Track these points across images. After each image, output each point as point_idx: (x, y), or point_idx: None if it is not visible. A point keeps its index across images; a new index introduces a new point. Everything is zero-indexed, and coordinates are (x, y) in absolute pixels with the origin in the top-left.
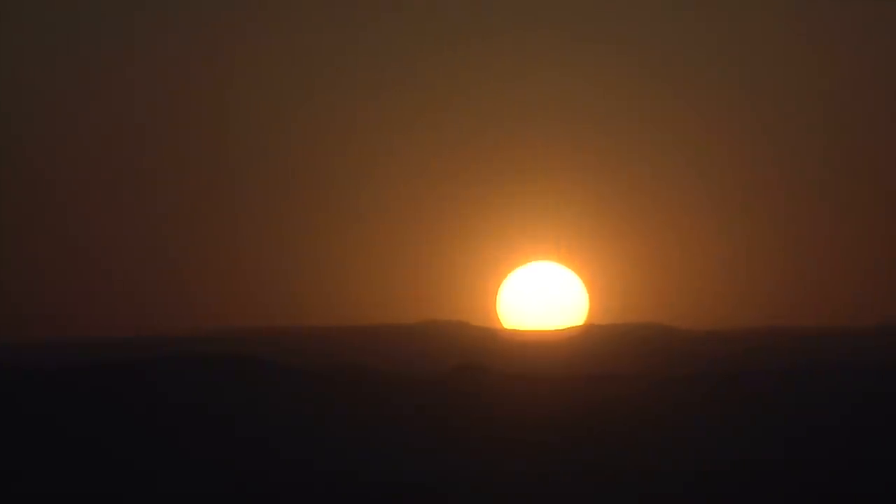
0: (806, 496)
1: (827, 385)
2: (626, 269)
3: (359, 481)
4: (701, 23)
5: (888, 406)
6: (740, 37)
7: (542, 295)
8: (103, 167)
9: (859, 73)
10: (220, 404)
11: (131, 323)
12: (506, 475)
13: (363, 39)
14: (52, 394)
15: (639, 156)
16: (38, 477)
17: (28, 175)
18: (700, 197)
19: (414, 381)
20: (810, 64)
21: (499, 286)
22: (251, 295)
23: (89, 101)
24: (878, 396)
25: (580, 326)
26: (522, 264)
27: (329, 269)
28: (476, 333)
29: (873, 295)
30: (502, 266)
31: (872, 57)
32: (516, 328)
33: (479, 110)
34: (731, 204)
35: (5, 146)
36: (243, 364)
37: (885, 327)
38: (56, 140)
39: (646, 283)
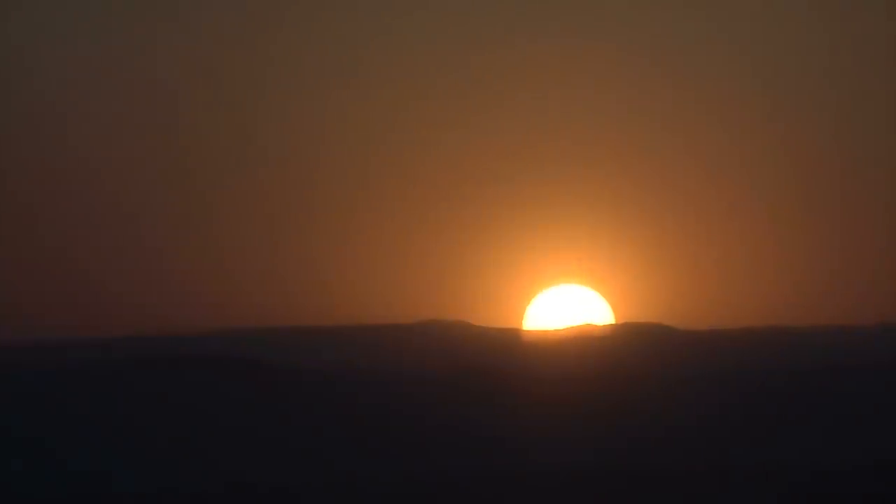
0: (806, 496)
1: (827, 385)
2: (628, 270)
3: (360, 482)
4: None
5: (888, 406)
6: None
7: (568, 315)
8: (102, 165)
9: (860, 73)
10: (218, 405)
11: (129, 323)
12: (506, 475)
13: (389, 31)
14: (50, 394)
15: (637, 156)
16: (37, 477)
17: (27, 174)
18: (699, 197)
19: (415, 382)
20: (811, 65)
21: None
22: (268, 295)
23: (89, 99)
24: (878, 396)
25: (578, 327)
26: (548, 286)
27: (332, 270)
28: (477, 333)
29: (873, 295)
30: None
31: (874, 56)
32: (514, 328)
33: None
34: (731, 204)
35: (5, 146)
36: (242, 364)
37: (885, 327)
38: (56, 138)
39: (645, 283)
